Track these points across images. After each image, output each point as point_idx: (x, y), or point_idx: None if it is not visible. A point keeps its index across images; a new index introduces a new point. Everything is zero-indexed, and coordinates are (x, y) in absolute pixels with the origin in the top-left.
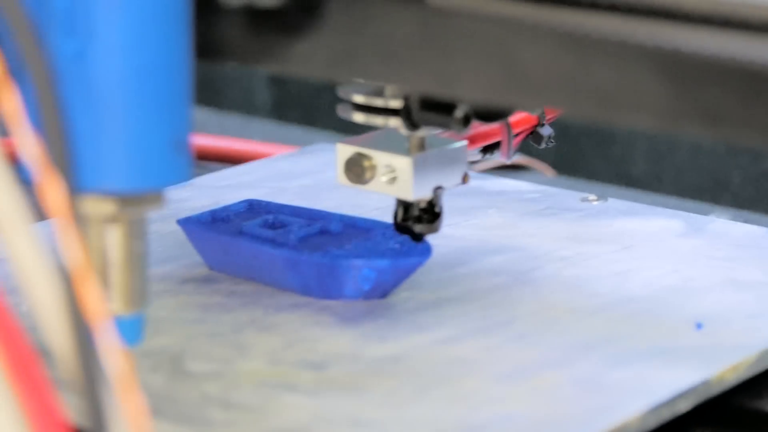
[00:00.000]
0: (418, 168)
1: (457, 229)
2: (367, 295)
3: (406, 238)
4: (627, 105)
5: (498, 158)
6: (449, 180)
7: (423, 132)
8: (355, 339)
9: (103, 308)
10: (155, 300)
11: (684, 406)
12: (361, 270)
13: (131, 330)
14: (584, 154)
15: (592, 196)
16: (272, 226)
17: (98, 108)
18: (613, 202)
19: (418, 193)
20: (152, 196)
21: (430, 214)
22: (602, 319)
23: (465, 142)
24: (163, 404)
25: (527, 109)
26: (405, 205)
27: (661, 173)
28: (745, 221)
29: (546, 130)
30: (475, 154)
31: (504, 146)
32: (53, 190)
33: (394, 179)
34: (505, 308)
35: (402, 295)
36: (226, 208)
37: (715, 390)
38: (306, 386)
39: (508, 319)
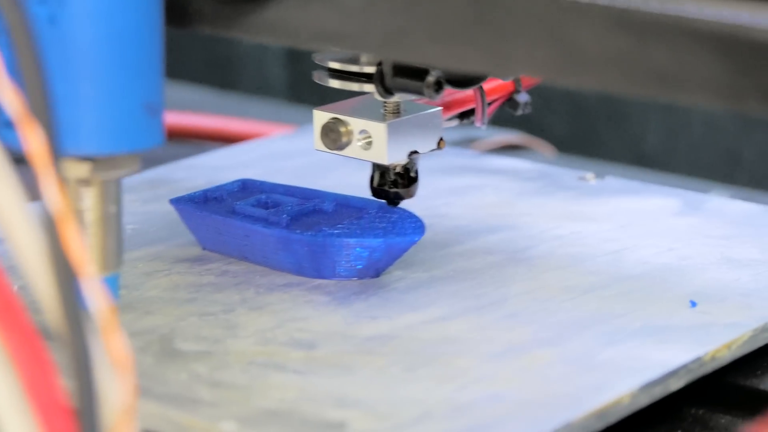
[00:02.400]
0: (393, 133)
1: (453, 208)
2: (360, 274)
3: (399, 216)
4: (685, 84)
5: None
6: (424, 145)
7: (398, 98)
8: (346, 318)
9: (85, 253)
10: (147, 280)
11: (676, 385)
12: (353, 249)
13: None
14: (597, 131)
15: (589, 175)
16: (265, 205)
17: (71, 72)
18: (610, 181)
19: (392, 157)
20: (126, 159)
21: (406, 178)
22: (596, 297)
23: (440, 108)
24: (152, 384)
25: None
26: (381, 170)
27: (674, 150)
28: (746, 199)
29: (522, 97)
30: (451, 120)
31: (478, 113)
32: (35, 142)
33: (370, 144)
34: (498, 287)
35: (395, 273)
36: (219, 188)
37: (709, 368)
38: (295, 365)
39: (501, 297)
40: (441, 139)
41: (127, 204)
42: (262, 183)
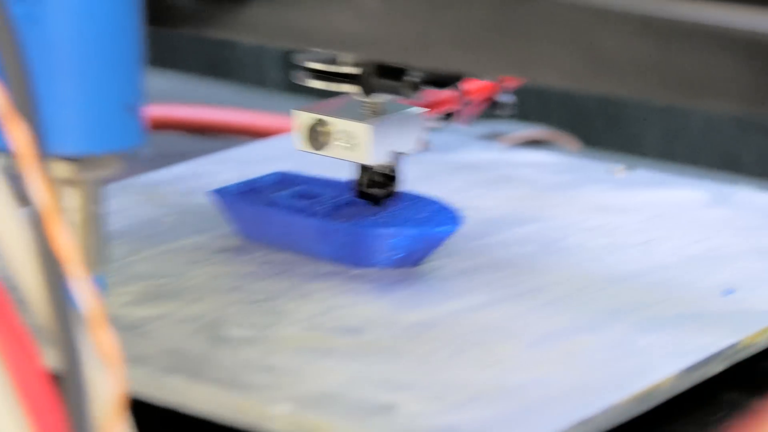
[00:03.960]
0: (376, 133)
1: (485, 200)
2: (399, 264)
3: (437, 207)
4: (711, 90)
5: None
6: (407, 145)
7: (380, 98)
8: (389, 305)
9: (72, 247)
10: (190, 269)
11: (715, 369)
12: (392, 239)
13: None
14: (595, 134)
15: (618, 167)
16: (304, 196)
17: (51, 71)
18: (639, 174)
19: (376, 158)
20: (109, 159)
21: (390, 179)
22: (630, 286)
23: (423, 108)
24: (205, 369)
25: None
26: (364, 171)
27: (672, 153)
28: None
29: (507, 98)
30: (435, 120)
31: (460, 112)
32: (19, 137)
33: (352, 145)
34: (535, 276)
35: (433, 263)
36: (257, 180)
37: (745, 354)
38: (343, 350)
39: (538, 286)
40: (424, 139)
41: (162, 197)
42: (299, 175)
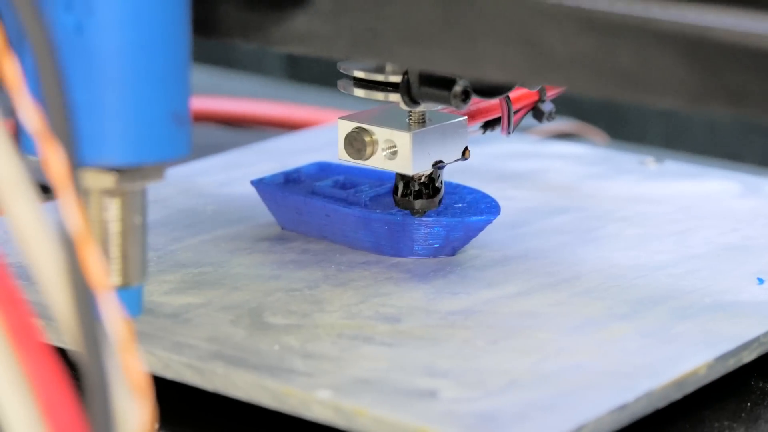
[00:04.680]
0: (417, 143)
1: (520, 190)
2: (437, 253)
3: (474, 197)
4: (651, 86)
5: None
6: (449, 155)
7: (423, 107)
8: (427, 294)
9: (105, 274)
10: (231, 258)
11: (749, 357)
12: (431, 228)
13: (130, 302)
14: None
15: (649, 159)
16: (343, 186)
17: (97, 82)
18: (670, 165)
19: (417, 167)
20: (151, 170)
21: (431, 188)
22: (665, 275)
23: (465, 118)
24: (247, 355)
25: (551, 87)
26: (405, 181)
27: (674, 154)
28: None
29: (547, 106)
30: (475, 129)
31: (504, 122)
32: (54, 159)
33: (394, 154)
34: (571, 265)
35: (470, 252)
36: (297, 170)
37: None
38: (383, 338)
39: (574, 275)
40: (466, 148)
41: (203, 186)
42: (338, 165)
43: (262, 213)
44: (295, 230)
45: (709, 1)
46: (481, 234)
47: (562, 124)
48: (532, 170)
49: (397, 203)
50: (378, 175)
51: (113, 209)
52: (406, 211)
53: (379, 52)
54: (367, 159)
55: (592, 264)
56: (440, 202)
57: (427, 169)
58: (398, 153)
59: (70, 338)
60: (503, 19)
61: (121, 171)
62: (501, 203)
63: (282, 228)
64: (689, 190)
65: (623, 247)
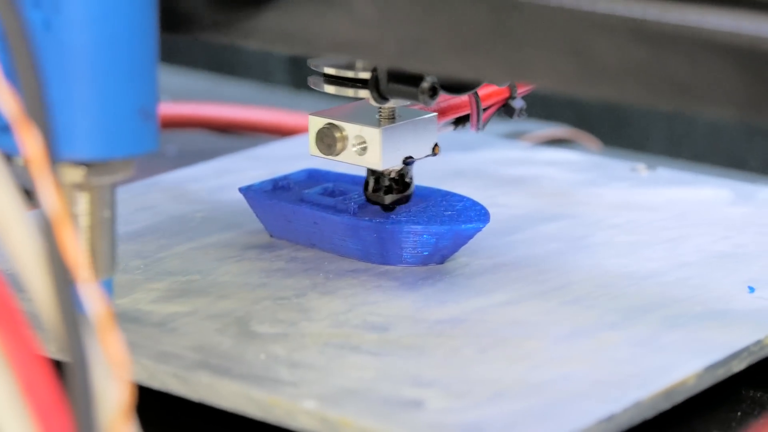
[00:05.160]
0: (387, 138)
1: (511, 197)
2: (426, 261)
3: (464, 204)
4: (703, 95)
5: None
6: (419, 150)
7: (392, 103)
8: (415, 302)
9: (82, 256)
10: (219, 266)
11: (738, 367)
12: (420, 235)
13: None
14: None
15: (641, 166)
16: (332, 193)
17: (66, 77)
18: (662, 172)
19: (387, 163)
20: (120, 165)
21: (401, 184)
22: (656, 283)
23: (435, 114)
24: (233, 365)
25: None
26: (376, 176)
27: (678, 157)
28: None
29: (518, 103)
30: (446, 126)
31: (473, 118)
32: (31, 143)
33: (364, 149)
34: (561, 273)
35: (459, 260)
36: (286, 177)
37: (767, 352)
38: (369, 347)
39: (564, 283)
40: (436, 144)
41: (193, 193)
42: (327, 172)
43: (251, 220)
44: (284, 238)
45: (763, 10)
46: (472, 241)
47: (556, 129)
48: (523, 177)
49: (368, 198)
50: None
51: (82, 203)
52: (395, 219)
53: (426, 61)
54: (337, 154)
55: (583, 272)
56: (410, 197)
57: (397, 164)
58: (368, 149)
59: (48, 318)
60: (552, 28)
61: (89, 165)
62: (492, 210)
63: (271, 235)
64: (681, 198)
65: (614, 254)
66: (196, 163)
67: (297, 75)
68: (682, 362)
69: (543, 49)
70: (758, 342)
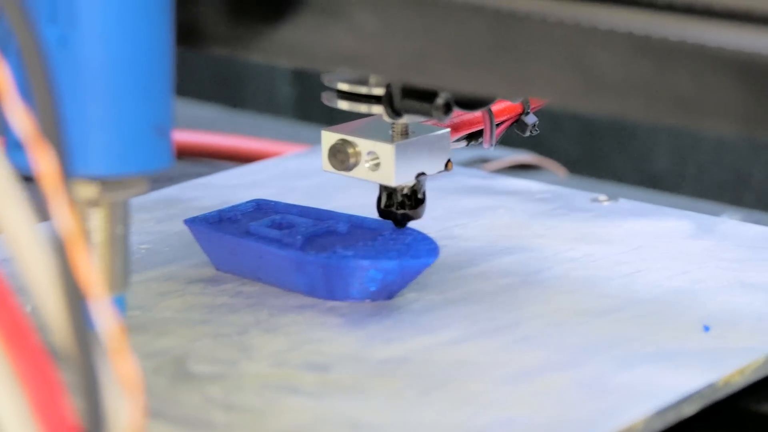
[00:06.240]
0: (401, 154)
1: (466, 229)
2: (374, 296)
3: (413, 239)
4: (706, 110)
5: (483, 147)
6: (432, 166)
7: (406, 119)
8: (360, 341)
9: (94, 274)
10: (161, 301)
11: (690, 410)
12: (367, 271)
13: None
14: (606, 151)
15: (602, 197)
16: (279, 226)
17: (81, 93)
18: (624, 203)
19: (400, 179)
20: (134, 181)
21: (413, 200)
22: (609, 320)
23: (448, 130)
24: (165, 406)
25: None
26: (388, 192)
27: (683, 170)
28: (756, 222)
29: (530, 119)
30: (459, 141)
31: (486, 134)
32: (44, 161)
33: (377, 165)
34: (512, 310)
35: (409, 296)
36: (233, 208)
37: (722, 393)
38: (309, 388)
39: (515, 320)
40: (449, 160)
41: (140, 223)
42: (276, 203)
43: (197, 252)
44: (230, 271)
45: (764, 25)
46: (422, 276)
47: (520, 155)
48: (480, 207)
49: (380, 214)
50: (316, 215)
51: (95, 219)
52: (342, 254)
53: (428, 75)
54: (350, 170)
55: (534, 309)
56: (423, 213)
57: (410, 180)
58: (381, 164)
59: (60, 337)
60: (555, 43)
61: (104, 182)
62: (445, 242)
63: (217, 269)
64: (641, 230)
65: (568, 290)
66: (157, 189)
67: (303, 108)
68: (631, 406)
69: (544, 64)
70: (711, 384)
